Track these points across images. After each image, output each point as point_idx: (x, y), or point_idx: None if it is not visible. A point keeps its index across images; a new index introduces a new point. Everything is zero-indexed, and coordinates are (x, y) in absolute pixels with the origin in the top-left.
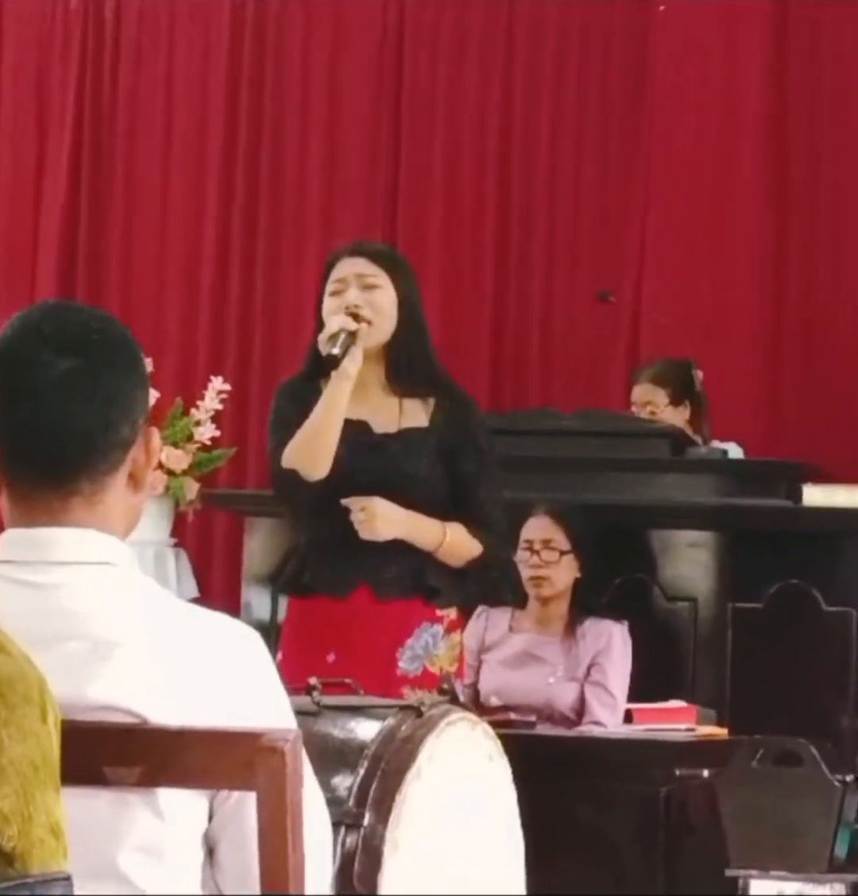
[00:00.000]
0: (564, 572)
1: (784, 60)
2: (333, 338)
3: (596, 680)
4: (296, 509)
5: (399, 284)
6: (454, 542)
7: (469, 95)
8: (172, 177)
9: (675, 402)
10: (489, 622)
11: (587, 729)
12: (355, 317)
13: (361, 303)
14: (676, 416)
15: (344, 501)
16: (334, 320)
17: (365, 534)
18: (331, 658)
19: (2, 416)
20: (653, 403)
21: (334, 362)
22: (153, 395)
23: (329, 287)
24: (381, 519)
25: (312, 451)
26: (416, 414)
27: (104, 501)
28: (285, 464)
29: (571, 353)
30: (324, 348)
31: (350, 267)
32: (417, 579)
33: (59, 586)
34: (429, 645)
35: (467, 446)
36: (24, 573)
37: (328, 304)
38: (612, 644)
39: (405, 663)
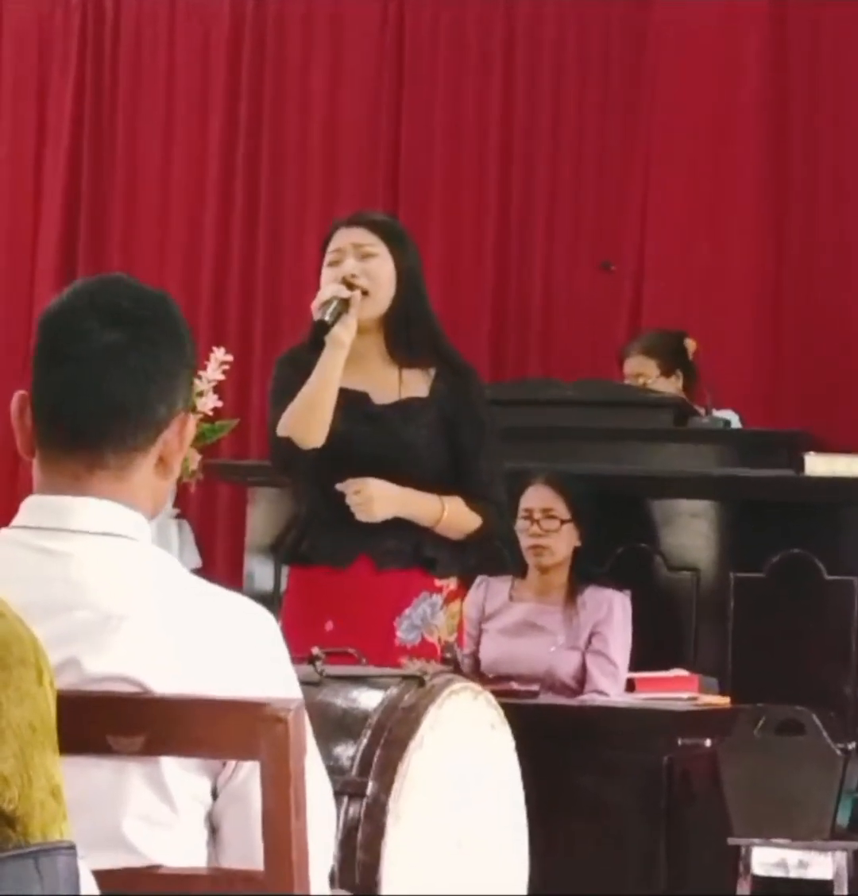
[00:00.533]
0: (564, 541)
1: (783, 30)
2: (325, 305)
3: (597, 649)
4: (293, 477)
5: (398, 254)
6: (453, 516)
7: (471, 70)
8: (174, 150)
9: (666, 372)
10: (489, 591)
11: (589, 698)
12: (350, 286)
13: (357, 272)
14: (668, 387)
15: (339, 486)
16: (328, 288)
17: (362, 516)
18: (329, 627)
19: (41, 380)
20: (644, 375)
21: (323, 329)
22: None
23: (327, 257)
24: (377, 500)
25: (307, 418)
26: (416, 384)
27: (130, 479)
28: (281, 432)
29: (572, 323)
30: (316, 315)
31: (347, 236)
32: (416, 550)
33: (72, 555)
34: (427, 615)
35: (468, 417)
36: (41, 539)
37: (326, 273)
38: (613, 613)
39: (403, 633)
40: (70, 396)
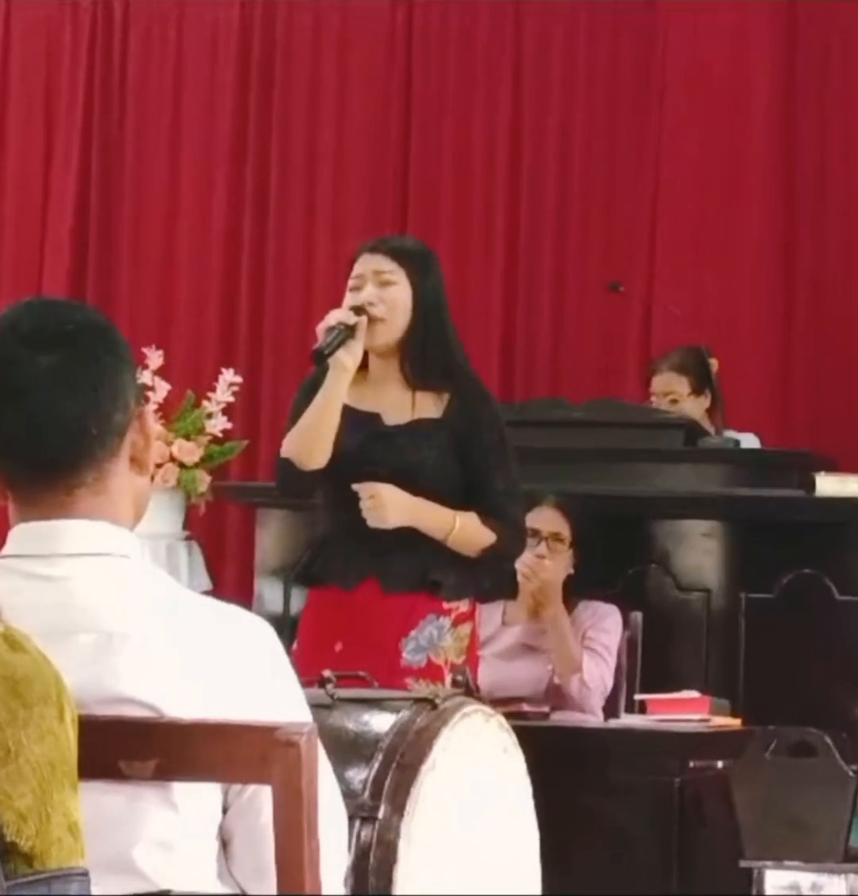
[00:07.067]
0: (562, 565)
1: (793, 52)
2: (328, 331)
3: (586, 645)
4: (296, 499)
5: (417, 280)
6: (464, 530)
7: (478, 93)
8: (182, 170)
9: (697, 390)
10: (481, 617)
11: (596, 720)
12: (359, 311)
13: (374, 299)
14: (697, 405)
15: (354, 486)
16: (333, 313)
17: (373, 521)
18: (338, 647)
19: None
20: (675, 392)
21: (320, 358)
22: (164, 388)
23: (349, 282)
24: (390, 505)
25: (308, 441)
26: (429, 406)
27: (109, 490)
28: (283, 453)
29: (582, 344)
30: (319, 340)
31: (369, 263)
32: (423, 573)
33: (69, 578)
34: (434, 637)
35: (479, 439)
36: (35, 566)
37: (346, 299)
38: (603, 617)
39: (409, 654)
40: (24, 431)
